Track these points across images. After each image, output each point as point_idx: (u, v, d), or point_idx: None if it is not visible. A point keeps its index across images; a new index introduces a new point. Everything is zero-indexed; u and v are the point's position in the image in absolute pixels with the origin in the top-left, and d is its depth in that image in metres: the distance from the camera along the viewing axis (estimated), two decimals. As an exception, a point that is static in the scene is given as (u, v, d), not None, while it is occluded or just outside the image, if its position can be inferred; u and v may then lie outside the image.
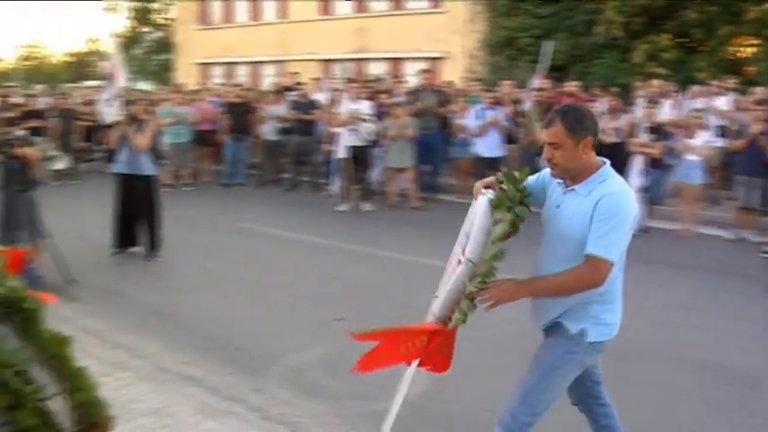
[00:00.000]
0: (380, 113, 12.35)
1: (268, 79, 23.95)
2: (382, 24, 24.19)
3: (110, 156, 13.55)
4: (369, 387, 4.82)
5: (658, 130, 10.41)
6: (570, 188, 3.21)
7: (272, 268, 8.37)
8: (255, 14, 28.42)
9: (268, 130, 14.21)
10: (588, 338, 3.20)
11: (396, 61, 23.80)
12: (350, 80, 15.81)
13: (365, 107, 12.01)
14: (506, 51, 21.09)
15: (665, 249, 9.34)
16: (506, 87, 13.41)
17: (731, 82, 13.99)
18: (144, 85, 29.54)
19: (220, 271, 8.16)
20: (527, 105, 12.14)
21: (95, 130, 15.99)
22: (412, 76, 17.62)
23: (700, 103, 12.44)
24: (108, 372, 4.90)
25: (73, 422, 2.37)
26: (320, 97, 14.61)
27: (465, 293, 3.17)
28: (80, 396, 2.35)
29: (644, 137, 10.19)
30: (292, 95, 14.57)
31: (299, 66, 22.24)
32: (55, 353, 2.34)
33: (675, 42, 19.56)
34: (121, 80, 13.98)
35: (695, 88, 13.63)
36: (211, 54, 29.05)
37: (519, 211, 3.18)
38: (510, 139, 12.15)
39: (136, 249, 8.78)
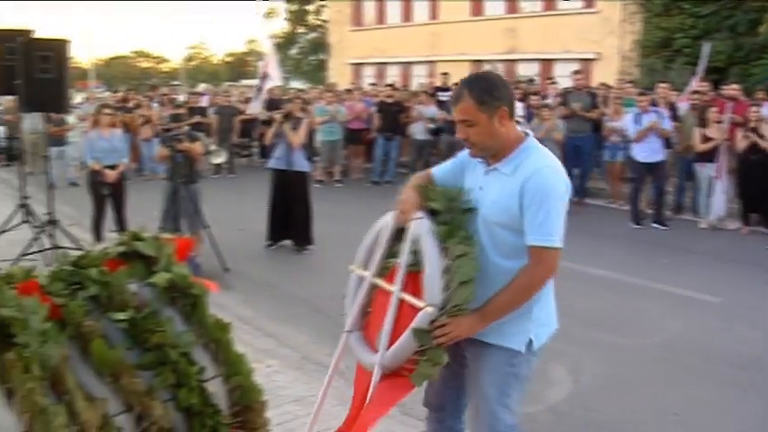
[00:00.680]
0: (530, 115, 12.19)
1: (418, 79, 24.12)
2: (533, 25, 23.81)
3: (265, 151, 14.14)
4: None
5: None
6: (492, 167, 2.85)
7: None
8: (407, 15, 28.71)
9: (418, 130, 14.35)
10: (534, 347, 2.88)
11: (546, 62, 23.39)
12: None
13: (516, 108, 11.85)
14: (662, 53, 20.25)
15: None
16: (662, 90, 12.88)
17: None
18: (298, 85, 30.52)
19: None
20: (683, 109, 11.61)
21: (252, 127, 16.73)
22: (563, 77, 17.27)
23: None
24: (259, 359, 5.09)
25: (229, 404, 2.50)
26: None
27: (428, 342, 2.69)
28: (237, 380, 2.47)
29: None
30: (443, 96, 14.64)
31: (449, 66, 22.24)
32: (217, 337, 2.47)
33: None
34: (277, 79, 14.55)
35: None
36: (363, 54, 29.59)
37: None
38: (666, 143, 11.67)
39: (288, 242, 9.10)
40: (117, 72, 68.63)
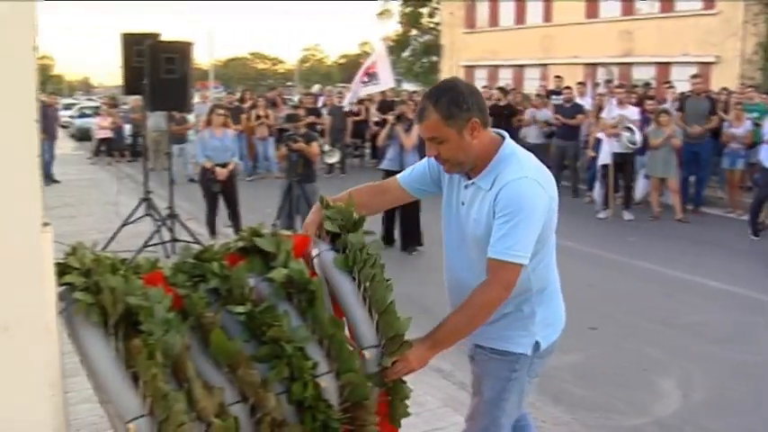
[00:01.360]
0: (646, 120, 11.84)
1: (531, 82, 23.84)
2: (649, 27, 23.14)
3: (376, 152, 14.27)
4: (619, 401, 4.66)
5: None
6: (471, 181, 2.64)
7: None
8: (520, 17, 28.42)
9: (531, 133, 14.17)
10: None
11: (662, 66, 22.63)
12: (617, 85, 15.32)
13: (632, 113, 11.57)
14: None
15: None
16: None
17: None
18: (410, 87, 30.70)
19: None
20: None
21: (364, 128, 16.94)
22: (680, 81, 16.66)
23: None
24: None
25: (340, 400, 2.53)
26: (584, 102, 14.30)
27: (382, 384, 2.61)
28: (349, 377, 2.50)
29: None
30: (557, 99, 14.41)
31: (562, 69, 21.87)
32: (331, 334, 2.51)
33: None
34: (389, 81, 14.68)
35: None
36: (476, 57, 29.49)
37: (373, 248, 2.69)
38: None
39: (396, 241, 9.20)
40: (235, 73, 70.96)
